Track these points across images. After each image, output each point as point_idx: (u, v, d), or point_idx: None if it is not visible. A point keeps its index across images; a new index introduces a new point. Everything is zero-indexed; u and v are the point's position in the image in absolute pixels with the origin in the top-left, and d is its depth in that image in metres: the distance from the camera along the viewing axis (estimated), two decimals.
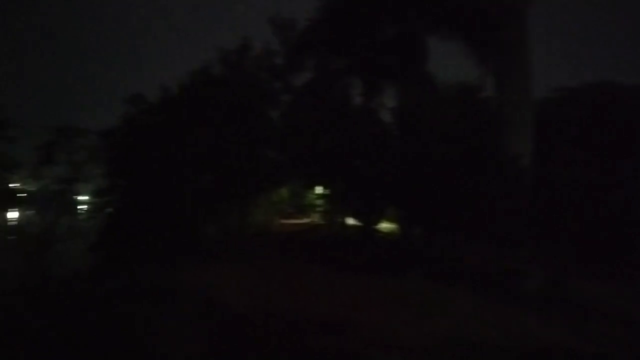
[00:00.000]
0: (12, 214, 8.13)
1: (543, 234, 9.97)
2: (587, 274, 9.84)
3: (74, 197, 8.36)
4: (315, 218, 29.66)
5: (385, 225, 17.79)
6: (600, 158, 11.39)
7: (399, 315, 7.33)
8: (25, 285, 7.35)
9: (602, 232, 10.14)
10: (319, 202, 25.78)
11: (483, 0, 12.33)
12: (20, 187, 7.77)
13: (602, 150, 11.82)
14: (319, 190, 25.88)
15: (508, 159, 10.40)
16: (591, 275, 9.83)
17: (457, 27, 13.44)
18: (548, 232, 10.07)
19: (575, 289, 8.68)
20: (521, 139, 10.66)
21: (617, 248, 10.18)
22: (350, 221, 18.82)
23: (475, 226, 11.28)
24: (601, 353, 5.68)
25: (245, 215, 18.59)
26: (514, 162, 10.36)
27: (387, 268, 11.30)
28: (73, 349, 5.39)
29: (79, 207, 9.84)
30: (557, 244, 10.02)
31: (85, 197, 13.04)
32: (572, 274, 9.29)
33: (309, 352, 5.51)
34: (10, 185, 7.57)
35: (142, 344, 5.63)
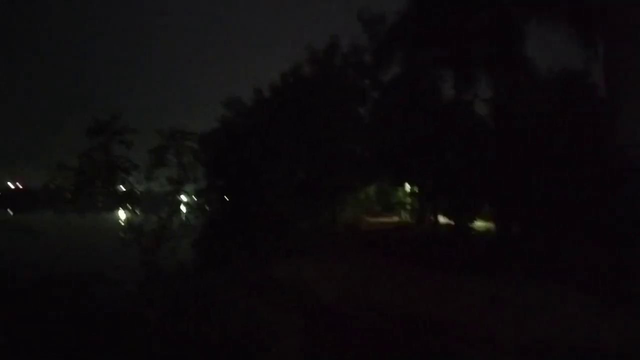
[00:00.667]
0: (122, 214, 8.82)
1: None
2: None
3: (180, 197, 8.94)
4: (404, 216, 29.24)
5: (480, 224, 17.09)
6: None
7: (499, 315, 7.02)
8: (140, 279, 8.00)
9: None
10: (408, 199, 25.37)
11: None
12: (132, 188, 8.41)
13: None
14: (407, 187, 25.49)
15: (619, 148, 9.55)
16: None
17: (560, 8, 12.53)
18: None
19: None
20: (635, 127, 9.73)
21: None
22: (443, 219, 18.31)
23: (580, 222, 10.52)
24: None
25: (334, 213, 18.78)
26: (627, 151, 9.49)
27: (484, 267, 10.85)
28: (179, 336, 5.74)
29: (183, 206, 10.52)
30: None
31: (186, 198, 13.91)
32: None
33: (401, 348, 5.44)
34: (124, 186, 8.23)
35: (238, 333, 5.85)
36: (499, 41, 13.78)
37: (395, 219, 29.17)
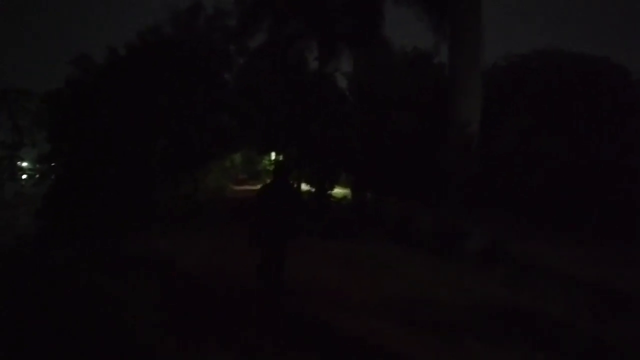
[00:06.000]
0: None
1: (489, 198, 10.41)
2: (529, 236, 10.43)
3: (18, 163, 7.90)
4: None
5: (338, 191, 18.01)
6: (547, 124, 11.90)
7: (352, 277, 7.54)
8: None
9: (545, 196, 10.69)
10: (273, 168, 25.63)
11: None
12: None
13: (550, 115, 12.32)
14: (273, 156, 25.78)
15: (458, 124, 10.68)
16: (533, 237, 10.43)
17: None
18: (494, 196, 10.52)
19: (517, 249, 9.20)
20: (471, 106, 10.89)
21: (559, 212, 10.77)
22: (305, 187, 18.92)
23: (424, 190, 11.62)
24: (538, 307, 6.10)
25: (198, 181, 18.31)
26: (463, 128, 10.65)
27: (341, 232, 11.53)
28: (21, 319, 5.26)
29: (24, 173, 9.37)
30: (502, 208, 10.51)
31: (28, 164, 12.47)
32: (514, 236, 9.81)
33: (263, 314, 5.60)
34: None
35: (94, 312, 5.52)
36: (359, 18, 14.40)
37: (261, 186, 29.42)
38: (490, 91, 12.00)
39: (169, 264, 8.06)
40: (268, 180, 5.79)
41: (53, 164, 14.57)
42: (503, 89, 13.22)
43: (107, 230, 10.68)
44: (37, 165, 13.22)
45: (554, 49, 14.75)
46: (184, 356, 4.34)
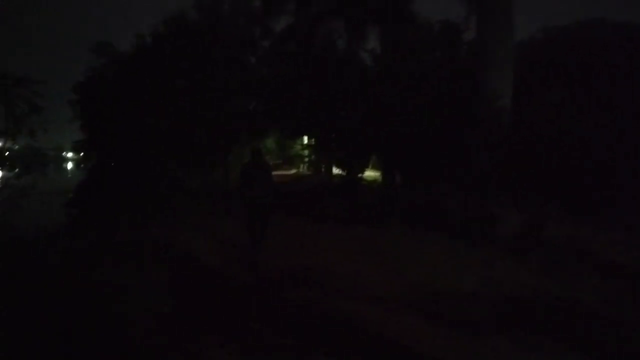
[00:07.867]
0: None
1: (523, 179, 9.83)
2: (566, 219, 9.75)
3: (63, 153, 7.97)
4: (302, 168, 29.63)
5: (369, 174, 17.67)
6: (587, 100, 11.07)
7: (375, 265, 7.25)
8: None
9: (584, 178, 9.94)
10: (305, 152, 25.59)
11: None
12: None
13: (590, 92, 11.49)
14: (304, 140, 25.68)
15: (487, 99, 10.13)
16: (570, 220, 9.75)
17: None
18: (528, 176, 9.92)
19: (552, 234, 8.62)
20: (501, 80, 10.36)
21: (597, 194, 10.01)
22: (336, 170, 18.69)
23: (454, 171, 11.14)
24: (575, 297, 5.64)
25: (229, 168, 18.34)
26: (493, 102, 10.09)
27: (369, 217, 11.25)
28: (42, 306, 5.28)
29: (66, 164, 9.57)
30: (537, 189, 9.90)
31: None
32: (550, 219, 9.21)
33: (281, 305, 5.42)
34: None
35: (111, 304, 5.46)
36: None
37: (294, 171, 29.52)
38: (524, 66, 11.33)
39: (194, 253, 8.00)
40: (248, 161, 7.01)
41: (87, 155, 14.95)
42: (540, 64, 12.45)
43: (137, 218, 10.74)
44: (75, 157, 13.61)
45: (597, 19, 13.79)
46: (185, 349, 4.17)
